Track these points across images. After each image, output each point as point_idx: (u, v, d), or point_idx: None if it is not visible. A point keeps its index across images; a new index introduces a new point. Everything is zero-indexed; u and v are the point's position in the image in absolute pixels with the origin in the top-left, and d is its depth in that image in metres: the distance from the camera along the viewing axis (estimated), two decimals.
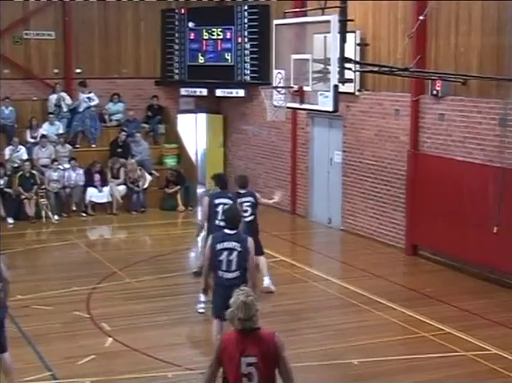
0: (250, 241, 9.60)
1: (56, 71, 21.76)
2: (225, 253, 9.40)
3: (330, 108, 11.37)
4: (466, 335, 11.32)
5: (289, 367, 6.06)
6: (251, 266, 9.52)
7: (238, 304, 6.00)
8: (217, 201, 12.00)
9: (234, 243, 9.44)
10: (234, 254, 9.40)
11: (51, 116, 20.80)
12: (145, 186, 20.80)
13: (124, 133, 21.11)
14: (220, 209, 11.73)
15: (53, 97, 21.10)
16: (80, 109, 21.13)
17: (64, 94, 21.18)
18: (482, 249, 13.85)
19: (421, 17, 14.46)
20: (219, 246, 9.44)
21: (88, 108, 21.14)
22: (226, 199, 11.98)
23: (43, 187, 19.57)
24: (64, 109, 21.16)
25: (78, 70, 21.86)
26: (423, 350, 10.77)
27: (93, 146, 21.32)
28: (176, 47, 22.35)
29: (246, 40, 21.15)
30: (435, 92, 15.16)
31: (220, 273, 9.45)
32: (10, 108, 20.76)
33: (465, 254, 14.54)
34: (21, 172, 19.41)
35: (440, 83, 14.92)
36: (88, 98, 21.24)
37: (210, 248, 9.53)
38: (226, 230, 9.55)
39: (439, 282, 14.12)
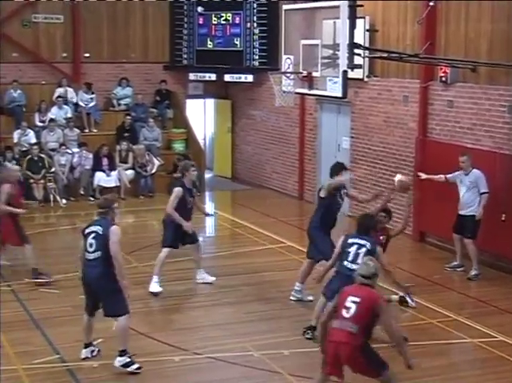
0: (375, 241, 10.23)
1: (64, 55, 21.76)
2: (355, 246, 9.88)
3: (339, 94, 11.39)
4: (473, 322, 11.33)
5: (390, 324, 7.91)
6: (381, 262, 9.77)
7: (361, 264, 8.21)
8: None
9: (365, 241, 9.92)
10: (363, 250, 9.82)
11: (59, 99, 20.81)
12: (153, 171, 20.84)
13: (128, 118, 21.11)
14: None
15: (59, 91, 21.15)
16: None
17: (70, 90, 21.26)
18: (489, 236, 13.82)
19: (431, 3, 14.42)
20: (350, 240, 9.99)
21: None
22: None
23: (51, 170, 19.62)
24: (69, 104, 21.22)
25: (86, 54, 21.86)
26: (429, 337, 10.80)
27: (94, 131, 21.34)
28: (185, 32, 22.29)
29: (255, 25, 21.10)
30: (444, 78, 15.10)
31: (345, 263, 9.88)
32: (19, 91, 20.76)
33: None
34: (29, 156, 19.47)
35: (445, 69, 14.87)
36: (91, 99, 21.29)
37: (342, 243, 10.05)
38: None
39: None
